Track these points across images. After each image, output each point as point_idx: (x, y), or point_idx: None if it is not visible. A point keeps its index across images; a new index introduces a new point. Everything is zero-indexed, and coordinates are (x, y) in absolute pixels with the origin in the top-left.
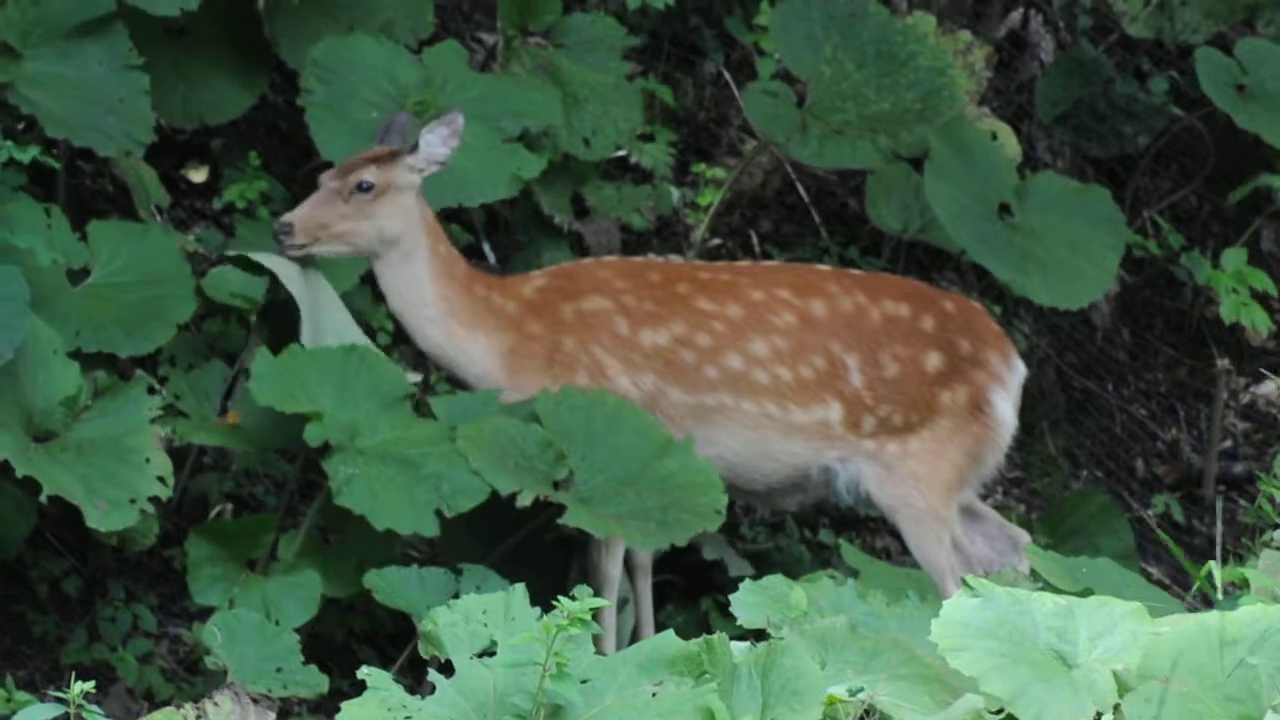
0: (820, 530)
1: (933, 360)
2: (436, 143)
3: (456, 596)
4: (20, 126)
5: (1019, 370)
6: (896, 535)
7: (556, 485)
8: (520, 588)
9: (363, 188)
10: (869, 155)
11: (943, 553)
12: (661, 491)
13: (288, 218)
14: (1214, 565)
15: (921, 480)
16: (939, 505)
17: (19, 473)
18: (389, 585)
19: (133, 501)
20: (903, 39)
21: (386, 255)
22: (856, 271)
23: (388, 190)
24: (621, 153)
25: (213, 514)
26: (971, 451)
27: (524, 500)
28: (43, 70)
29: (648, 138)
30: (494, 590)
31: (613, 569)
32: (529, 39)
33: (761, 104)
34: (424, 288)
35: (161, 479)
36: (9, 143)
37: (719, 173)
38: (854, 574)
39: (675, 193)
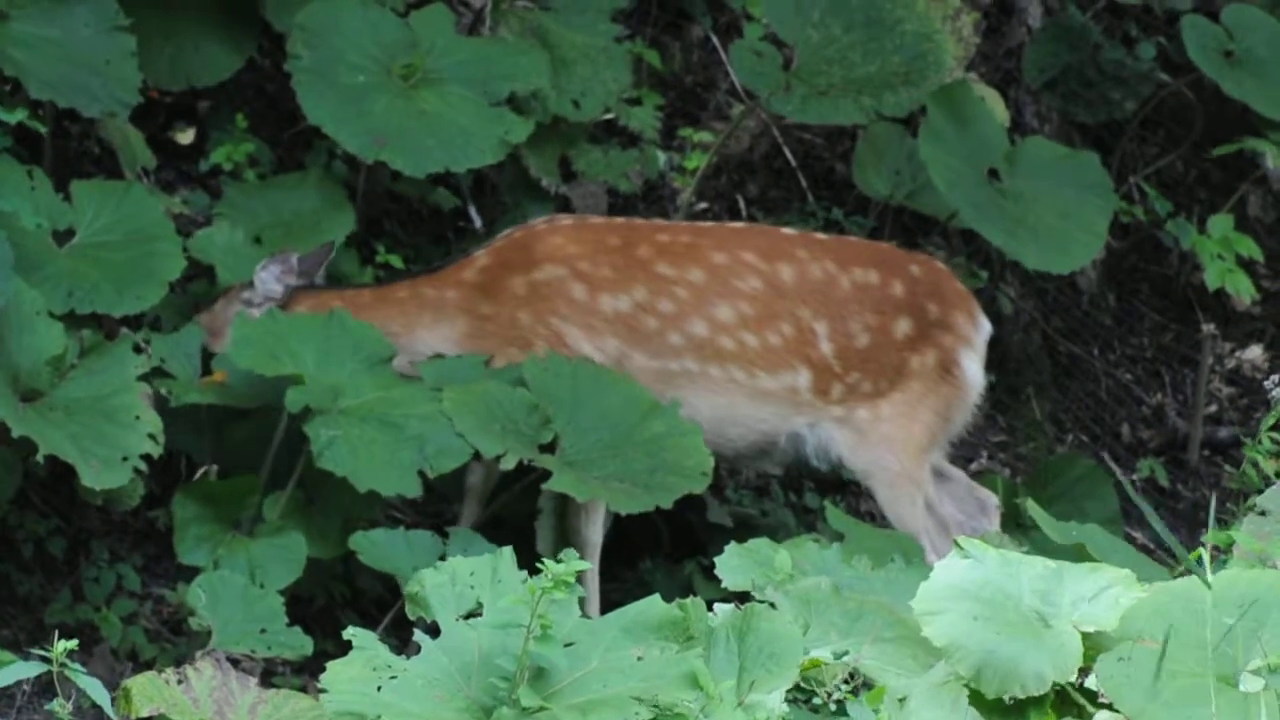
0: (805, 494)
1: (902, 326)
2: (270, 280)
3: (442, 559)
4: (8, 89)
5: (985, 329)
6: None
7: (542, 449)
8: (508, 550)
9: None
10: (851, 113)
11: (917, 514)
12: (648, 454)
13: None
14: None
15: (894, 443)
16: (912, 467)
17: (15, 433)
18: (375, 548)
19: (125, 460)
20: (890, 4)
21: None
22: (822, 235)
23: (225, 328)
24: (609, 116)
25: (198, 474)
26: (942, 413)
27: (508, 463)
28: (29, 32)
29: (635, 102)
30: (480, 554)
31: (593, 534)
32: (517, 2)
33: (747, 60)
34: None
35: (153, 436)
36: None
37: (706, 136)
38: (839, 537)
39: (662, 156)
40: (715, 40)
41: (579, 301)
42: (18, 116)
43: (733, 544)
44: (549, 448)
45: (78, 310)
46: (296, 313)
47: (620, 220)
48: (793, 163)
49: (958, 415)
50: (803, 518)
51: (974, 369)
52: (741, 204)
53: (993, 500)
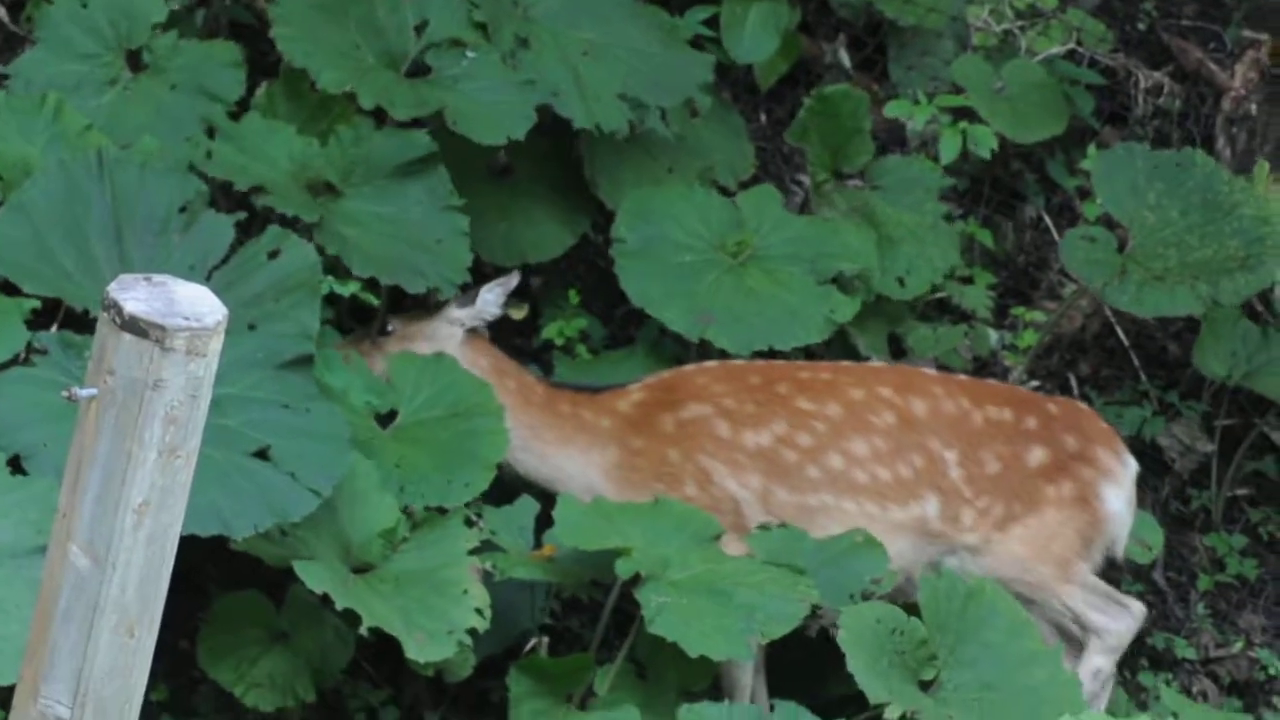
0: (1140, 672)
1: (1036, 455)
2: (493, 302)
3: None
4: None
5: (1130, 465)
6: (1214, 678)
7: (920, 684)
8: None
9: (384, 331)
10: (1189, 302)
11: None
12: (1024, 705)
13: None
14: None
15: (1026, 559)
16: (1054, 580)
17: (339, 605)
18: None
19: (450, 633)
20: (1228, 189)
21: None
22: (962, 377)
23: (412, 339)
24: (941, 295)
25: (528, 647)
26: (1084, 535)
27: (892, 713)
28: (361, 209)
29: (967, 280)
30: None
31: (744, 677)
32: (845, 181)
33: (1080, 249)
34: None
35: (479, 611)
36: (329, 277)
37: (1038, 316)
38: (1173, 717)
39: (993, 335)
40: (1048, 220)
41: (723, 438)
42: (351, 288)
43: (1066, 717)
44: (928, 685)
45: (410, 503)
46: (474, 360)
47: (762, 361)
48: (1125, 342)
49: (1096, 548)
50: (1135, 696)
51: (1117, 502)
52: (1074, 383)
53: (1137, 604)
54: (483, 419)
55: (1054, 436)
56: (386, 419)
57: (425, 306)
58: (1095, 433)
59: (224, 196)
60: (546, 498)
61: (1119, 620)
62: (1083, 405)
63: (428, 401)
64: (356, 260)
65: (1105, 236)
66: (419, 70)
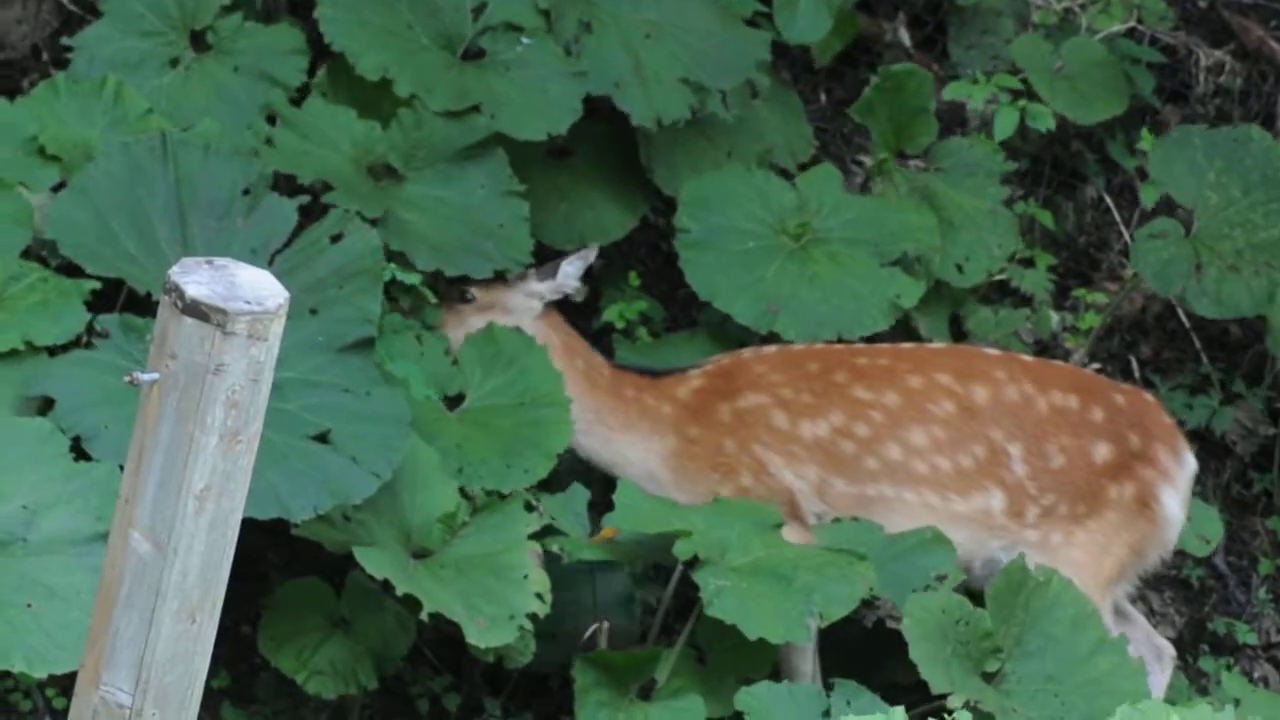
0: (1200, 658)
1: (1101, 451)
2: (573, 275)
3: (828, 714)
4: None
5: (1189, 466)
6: (1275, 663)
7: (984, 676)
8: (899, 711)
9: (465, 298)
10: (1265, 301)
11: None
12: (1087, 699)
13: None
14: None
15: (1083, 570)
16: (1094, 598)
17: (399, 590)
18: (760, 703)
19: (511, 618)
20: None
21: None
22: (1026, 358)
23: (491, 308)
24: (1002, 277)
25: (588, 632)
26: (1136, 547)
27: (955, 702)
28: (423, 194)
29: (1028, 262)
30: (864, 704)
31: (805, 666)
32: (907, 161)
33: (1151, 252)
34: None
35: (539, 595)
36: (392, 265)
37: (1100, 297)
38: (1234, 702)
39: (1054, 317)
40: (1109, 201)
41: (780, 429)
42: (414, 279)
43: (1125, 707)
44: (991, 678)
45: (467, 485)
46: (548, 336)
47: (821, 346)
48: (1187, 324)
49: (1152, 551)
50: (1195, 682)
51: (1174, 506)
52: (1134, 365)
53: (1169, 650)
54: (550, 409)
55: (1119, 432)
56: (453, 401)
57: (506, 280)
58: (1158, 429)
59: (285, 179)
60: (598, 485)
61: (1149, 667)
62: (1149, 396)
63: (496, 389)
64: (420, 253)
65: (1173, 226)
66: (475, 54)
